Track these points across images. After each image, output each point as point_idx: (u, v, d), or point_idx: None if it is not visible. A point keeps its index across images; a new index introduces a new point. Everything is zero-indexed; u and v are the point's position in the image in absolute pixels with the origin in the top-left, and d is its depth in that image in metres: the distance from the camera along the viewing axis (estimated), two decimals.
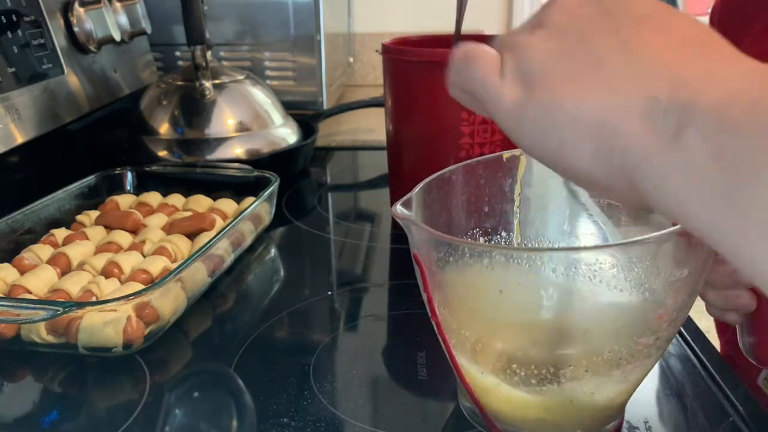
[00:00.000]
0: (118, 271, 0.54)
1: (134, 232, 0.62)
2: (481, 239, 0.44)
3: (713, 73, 0.21)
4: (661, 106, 0.21)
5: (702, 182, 0.20)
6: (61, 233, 0.60)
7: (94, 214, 0.66)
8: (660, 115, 0.21)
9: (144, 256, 0.57)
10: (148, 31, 0.89)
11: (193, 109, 0.81)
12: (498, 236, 0.44)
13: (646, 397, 0.42)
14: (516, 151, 0.43)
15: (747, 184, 0.18)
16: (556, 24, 0.26)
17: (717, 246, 0.20)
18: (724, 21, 0.61)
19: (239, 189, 0.71)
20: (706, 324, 0.52)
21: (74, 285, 0.51)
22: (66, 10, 0.79)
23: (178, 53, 1.10)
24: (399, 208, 0.35)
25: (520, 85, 0.26)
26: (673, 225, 0.30)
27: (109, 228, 0.63)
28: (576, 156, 0.24)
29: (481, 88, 0.28)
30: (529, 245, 0.45)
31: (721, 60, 0.22)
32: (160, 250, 0.57)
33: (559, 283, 0.34)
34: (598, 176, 0.24)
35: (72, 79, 0.78)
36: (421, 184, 0.38)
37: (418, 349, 0.47)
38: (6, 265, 0.54)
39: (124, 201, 0.69)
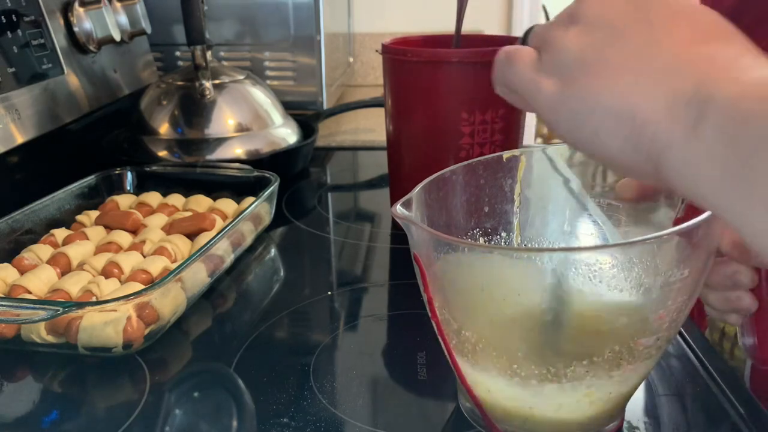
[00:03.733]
0: (118, 271, 0.54)
1: (134, 232, 0.62)
2: (482, 239, 0.44)
3: (731, 70, 0.23)
4: (683, 100, 0.24)
5: (717, 168, 0.22)
6: (61, 233, 0.60)
7: (94, 214, 0.66)
8: (682, 108, 0.24)
9: (144, 256, 0.57)
10: (148, 31, 0.89)
11: (193, 109, 0.81)
12: (498, 236, 0.44)
13: (646, 397, 0.42)
14: (516, 152, 0.43)
15: (755, 168, 0.21)
16: (590, 18, 0.28)
17: (732, 223, 0.23)
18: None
19: (239, 189, 0.71)
20: None
21: (74, 285, 0.51)
22: (66, 10, 0.79)
23: (178, 53, 1.10)
24: (399, 208, 0.35)
25: (557, 78, 0.28)
26: (674, 226, 0.30)
27: (109, 228, 0.63)
28: (608, 143, 0.26)
29: (521, 83, 0.30)
30: (530, 245, 0.45)
31: (739, 56, 0.24)
32: (160, 250, 0.57)
33: (560, 283, 0.34)
34: (627, 162, 0.26)
35: (72, 79, 0.78)
36: (421, 184, 0.38)
37: (418, 349, 0.47)
38: (6, 265, 0.54)
39: (124, 201, 0.69)
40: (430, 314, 0.35)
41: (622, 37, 0.27)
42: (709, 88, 0.23)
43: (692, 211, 0.35)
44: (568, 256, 0.37)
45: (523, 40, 0.33)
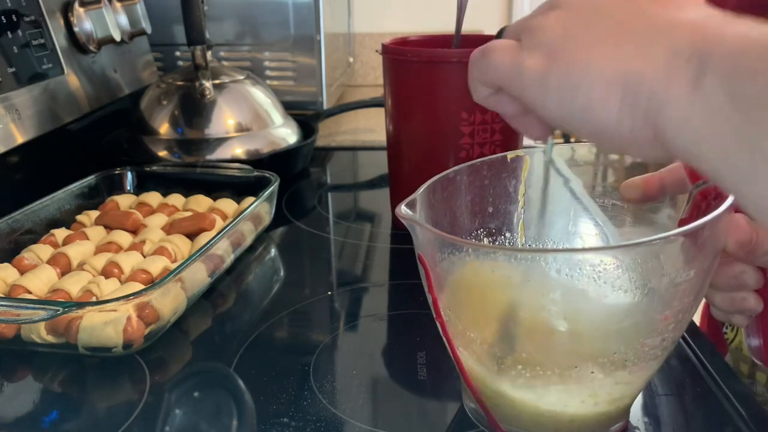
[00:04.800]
0: (118, 271, 0.54)
1: (134, 232, 0.62)
2: (486, 240, 0.43)
3: (727, 27, 0.23)
4: (683, 56, 0.23)
5: (719, 121, 0.22)
6: (61, 233, 0.60)
7: (94, 214, 0.65)
8: (682, 64, 0.23)
9: (144, 256, 0.57)
10: (148, 31, 0.89)
11: (193, 109, 0.81)
12: (502, 237, 0.44)
13: (646, 397, 0.42)
14: (520, 152, 0.43)
15: (759, 119, 0.20)
16: (571, 3, 0.28)
17: (726, 183, 0.22)
18: None
19: (239, 189, 0.70)
20: None
21: (74, 285, 0.50)
22: (66, 10, 0.79)
23: (178, 53, 1.10)
24: (403, 208, 0.35)
25: (541, 57, 0.27)
26: (679, 226, 0.30)
27: (109, 228, 0.63)
28: (603, 112, 0.25)
29: (501, 71, 0.29)
30: (534, 246, 0.44)
31: (731, 20, 0.24)
32: (160, 250, 0.57)
33: (564, 284, 0.34)
34: (624, 131, 0.25)
35: (72, 79, 0.78)
36: (425, 185, 0.38)
37: (418, 349, 0.47)
38: (6, 265, 0.54)
39: (124, 201, 0.69)
40: (434, 315, 0.35)
41: (606, 14, 0.26)
42: (708, 44, 0.23)
43: (697, 211, 0.35)
44: (573, 256, 0.37)
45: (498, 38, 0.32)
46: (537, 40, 0.28)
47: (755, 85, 0.21)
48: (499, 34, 0.32)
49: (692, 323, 0.50)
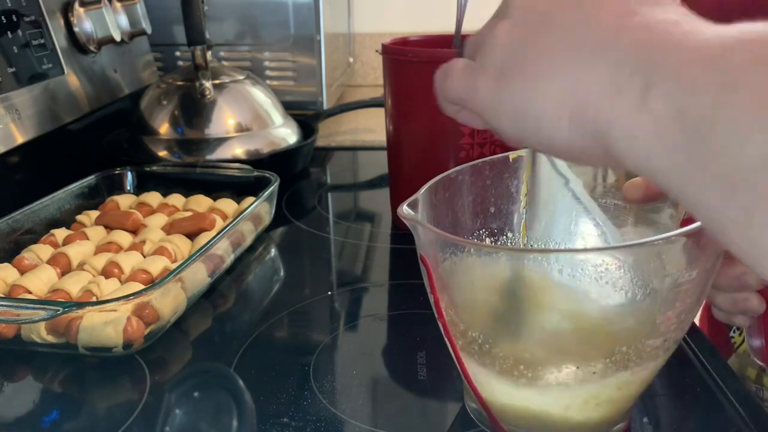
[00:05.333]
0: (118, 271, 0.53)
1: (134, 232, 0.62)
2: (488, 240, 0.43)
3: (673, 34, 0.22)
4: (626, 71, 0.22)
5: (666, 140, 0.21)
6: (61, 233, 0.60)
7: (94, 214, 0.65)
8: (626, 80, 0.22)
9: (144, 256, 0.57)
10: (148, 31, 0.89)
11: (193, 109, 0.81)
12: (504, 237, 0.44)
13: (646, 397, 0.42)
14: (522, 152, 0.43)
15: (705, 138, 0.19)
16: (518, 10, 0.27)
17: (681, 199, 0.21)
18: None
19: (239, 189, 0.70)
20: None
21: (74, 285, 0.50)
22: (66, 10, 0.79)
23: (178, 53, 1.10)
24: (405, 208, 0.35)
25: (491, 77, 0.27)
26: (681, 226, 0.30)
27: (109, 228, 0.63)
28: (553, 131, 0.25)
29: (459, 92, 0.29)
30: (536, 246, 0.44)
31: (678, 22, 0.22)
32: (160, 250, 0.57)
33: (566, 284, 0.34)
34: (575, 147, 0.25)
35: (72, 79, 0.78)
36: (427, 185, 0.38)
37: (418, 349, 0.47)
38: (6, 265, 0.54)
39: (124, 201, 0.69)
40: (436, 315, 0.35)
41: (552, 22, 0.25)
42: (650, 57, 0.21)
43: None
44: (575, 257, 0.37)
45: (460, 54, 0.32)
46: (486, 58, 0.28)
47: (700, 99, 0.19)
48: (463, 47, 0.32)
49: (692, 323, 0.50)
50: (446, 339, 0.36)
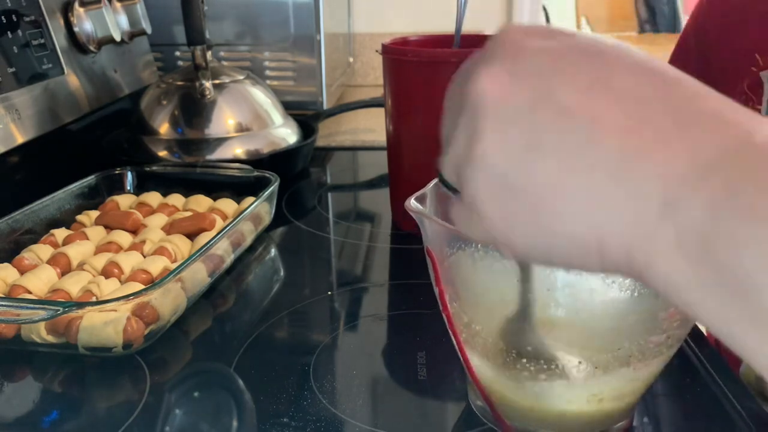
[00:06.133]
0: (118, 271, 0.54)
1: (134, 232, 0.62)
2: None
3: (694, 170, 0.19)
4: (652, 207, 0.20)
5: (707, 294, 0.19)
6: (61, 233, 0.60)
7: (94, 214, 0.65)
8: (653, 220, 0.20)
9: (144, 256, 0.57)
10: (148, 31, 0.89)
11: (193, 109, 0.81)
12: None
13: (646, 397, 0.42)
14: None
15: (752, 290, 0.18)
16: (495, 112, 0.23)
17: (712, 330, 0.20)
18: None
19: (239, 189, 0.70)
20: None
21: (74, 285, 0.50)
22: (66, 10, 0.79)
23: (178, 53, 1.10)
24: (413, 202, 0.35)
25: (498, 207, 0.23)
26: None
27: (109, 228, 0.63)
28: (584, 265, 0.23)
29: (467, 235, 0.27)
30: None
31: (695, 147, 0.20)
32: (160, 250, 0.57)
33: (570, 279, 0.34)
34: (608, 272, 0.23)
35: (72, 79, 0.78)
36: (435, 180, 0.38)
37: (418, 349, 0.47)
38: (6, 265, 0.54)
39: (124, 201, 0.69)
40: (441, 308, 0.35)
41: (544, 141, 0.22)
42: (681, 189, 0.19)
43: None
44: None
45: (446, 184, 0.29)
46: (470, 198, 0.24)
47: (739, 258, 0.18)
48: (440, 164, 0.30)
49: (694, 324, 0.50)
50: (450, 332, 0.36)
